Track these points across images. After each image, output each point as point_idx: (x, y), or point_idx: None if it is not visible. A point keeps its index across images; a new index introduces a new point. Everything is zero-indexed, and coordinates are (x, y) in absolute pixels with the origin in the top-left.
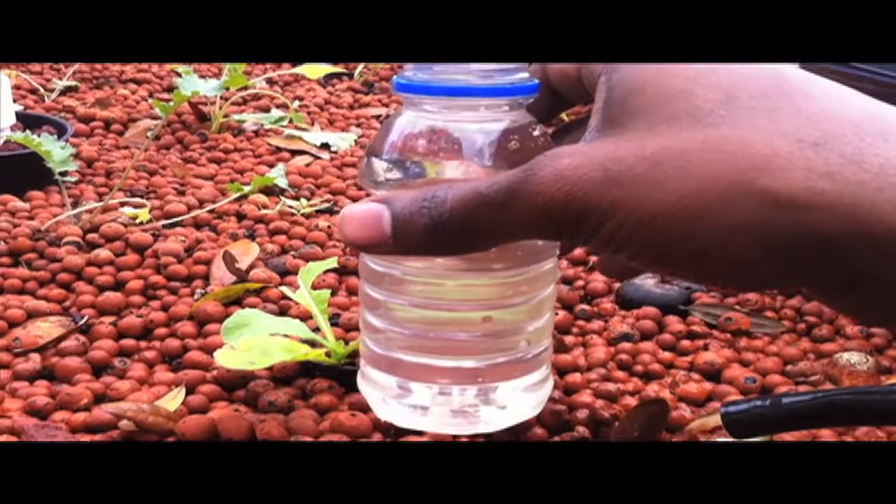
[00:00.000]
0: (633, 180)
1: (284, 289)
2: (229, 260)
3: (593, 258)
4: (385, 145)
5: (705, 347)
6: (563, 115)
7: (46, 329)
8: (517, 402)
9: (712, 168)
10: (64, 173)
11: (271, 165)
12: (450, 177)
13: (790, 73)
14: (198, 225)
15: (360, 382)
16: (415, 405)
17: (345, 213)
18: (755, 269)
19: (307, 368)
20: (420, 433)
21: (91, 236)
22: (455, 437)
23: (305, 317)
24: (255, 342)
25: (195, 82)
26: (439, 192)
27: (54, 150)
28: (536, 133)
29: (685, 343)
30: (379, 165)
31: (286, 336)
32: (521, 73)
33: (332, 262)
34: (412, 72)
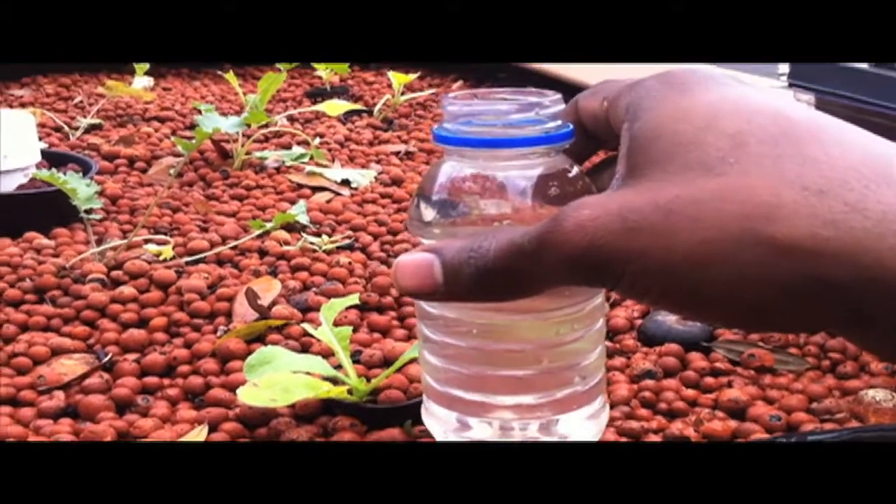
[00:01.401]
0: (650, 230)
1: (306, 326)
2: (252, 297)
3: (615, 294)
4: (433, 189)
5: (729, 384)
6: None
7: (71, 366)
8: (578, 432)
9: (721, 217)
10: (89, 211)
11: (292, 202)
12: (492, 218)
13: (798, 115)
14: (220, 261)
15: (424, 415)
16: (474, 439)
17: (398, 263)
18: (766, 313)
19: (329, 406)
20: None
21: (115, 273)
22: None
23: (327, 353)
24: (277, 379)
25: (216, 119)
26: (484, 243)
27: (79, 188)
28: (573, 175)
29: (709, 380)
30: (426, 208)
31: (308, 373)
32: (556, 120)
33: (353, 299)
34: (451, 124)
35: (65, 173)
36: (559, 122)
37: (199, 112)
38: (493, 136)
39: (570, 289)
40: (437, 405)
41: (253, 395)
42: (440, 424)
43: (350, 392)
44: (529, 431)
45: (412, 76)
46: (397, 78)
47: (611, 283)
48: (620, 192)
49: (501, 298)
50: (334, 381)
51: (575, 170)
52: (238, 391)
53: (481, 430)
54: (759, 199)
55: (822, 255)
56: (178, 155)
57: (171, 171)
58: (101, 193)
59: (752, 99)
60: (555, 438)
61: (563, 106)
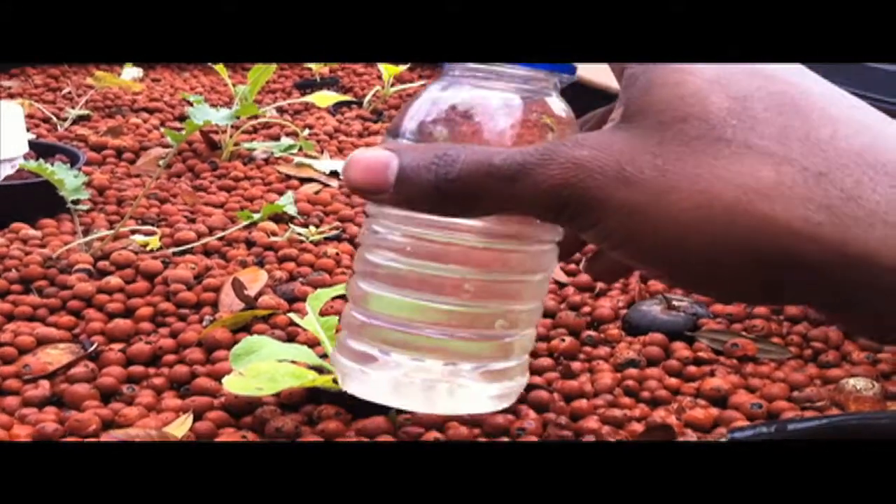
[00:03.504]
0: (643, 184)
1: (293, 315)
2: (238, 287)
3: (601, 284)
4: (404, 125)
5: (712, 373)
6: None
7: (56, 356)
8: (479, 387)
9: (718, 185)
10: (76, 201)
11: (281, 193)
12: (468, 139)
13: (809, 86)
14: (207, 252)
15: (334, 355)
16: (390, 376)
17: (352, 157)
18: (744, 287)
19: (314, 394)
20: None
21: (102, 264)
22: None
23: (313, 343)
24: (262, 368)
25: (207, 111)
26: (451, 152)
27: (67, 179)
28: (565, 115)
29: (692, 369)
30: (404, 127)
31: (294, 362)
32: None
33: (340, 289)
34: None
35: (52, 164)
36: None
37: (189, 103)
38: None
39: (520, 224)
40: (356, 340)
41: (239, 384)
42: (355, 361)
43: (335, 381)
44: (435, 369)
45: (402, 67)
46: (387, 69)
47: (583, 227)
48: (617, 136)
49: (450, 213)
50: (320, 370)
51: (565, 109)
52: (224, 380)
53: (401, 364)
54: (758, 173)
55: (811, 238)
56: (166, 146)
57: (161, 162)
58: (88, 184)
59: (767, 67)
60: (450, 385)
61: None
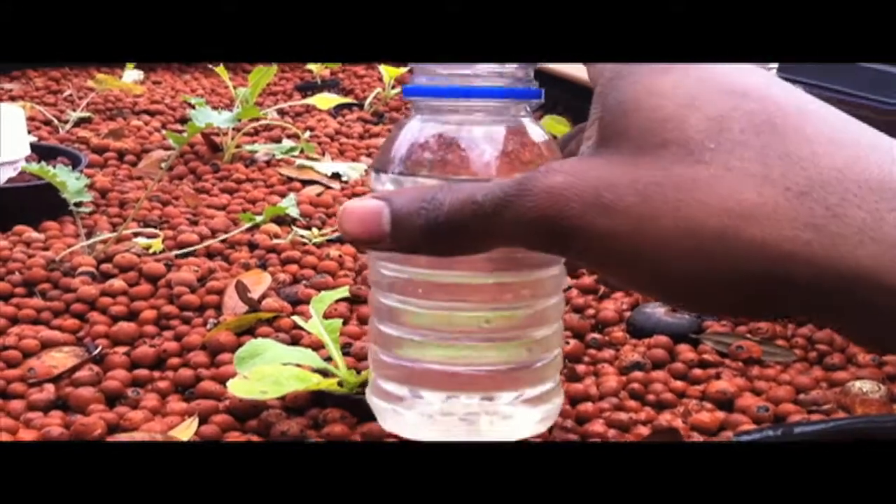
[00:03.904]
0: (624, 211)
1: (297, 318)
2: (241, 290)
3: (603, 287)
4: (389, 158)
5: (717, 376)
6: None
7: (60, 359)
8: (521, 414)
9: (701, 210)
10: (79, 204)
11: (283, 195)
12: (451, 174)
13: (787, 103)
14: (210, 255)
15: (369, 395)
16: (424, 413)
17: (345, 209)
18: (735, 306)
19: (319, 398)
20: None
21: (105, 266)
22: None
23: (317, 346)
24: (267, 372)
25: (209, 114)
26: (438, 195)
27: (69, 181)
28: (540, 138)
29: (697, 372)
30: (384, 179)
31: (298, 365)
32: (527, 80)
33: (343, 292)
34: (418, 77)
35: (54, 166)
36: (528, 81)
37: (190, 105)
38: (457, 86)
39: (528, 253)
40: (387, 381)
41: (243, 387)
42: (389, 402)
43: (340, 384)
44: (471, 405)
45: (403, 69)
46: (388, 71)
47: (569, 254)
48: (594, 162)
49: (447, 253)
50: (324, 374)
51: (542, 133)
52: (228, 384)
53: (432, 402)
54: (740, 195)
55: (800, 258)
56: (168, 148)
57: (162, 164)
58: (90, 187)
59: (738, 80)
60: (495, 417)
61: (531, 66)
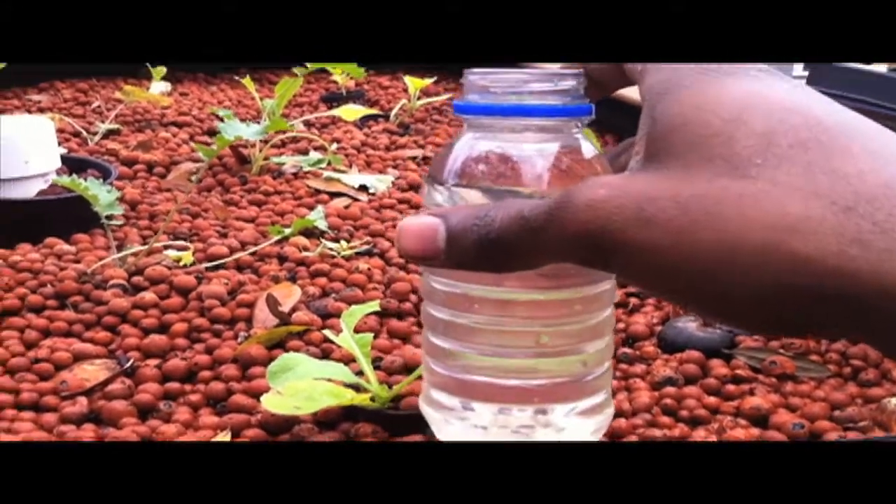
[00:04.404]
0: (665, 224)
1: (328, 332)
2: (272, 303)
3: (634, 300)
4: (445, 168)
5: (751, 392)
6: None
7: (93, 372)
8: (574, 426)
9: (745, 224)
10: (109, 217)
11: (311, 207)
12: (504, 190)
13: (831, 118)
14: (240, 267)
15: (422, 405)
16: (476, 425)
17: (402, 226)
18: (777, 321)
19: (351, 412)
20: None
21: (136, 279)
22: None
23: (348, 360)
24: (300, 387)
25: (237, 127)
26: (490, 212)
27: (100, 194)
28: (591, 153)
29: (730, 387)
30: (440, 188)
31: (330, 380)
32: (578, 95)
33: (374, 306)
34: (470, 95)
35: (85, 179)
36: (580, 96)
37: (218, 117)
38: (510, 105)
39: (579, 268)
40: (438, 391)
41: (277, 402)
42: (441, 412)
43: (372, 399)
44: (524, 417)
45: (428, 80)
46: (413, 83)
47: (610, 269)
48: (638, 176)
49: (499, 269)
50: (357, 388)
51: (592, 148)
52: (262, 399)
53: (483, 414)
54: (785, 209)
55: (846, 273)
56: (196, 160)
57: (193, 177)
58: (120, 199)
59: (783, 95)
60: (549, 430)
61: (583, 81)
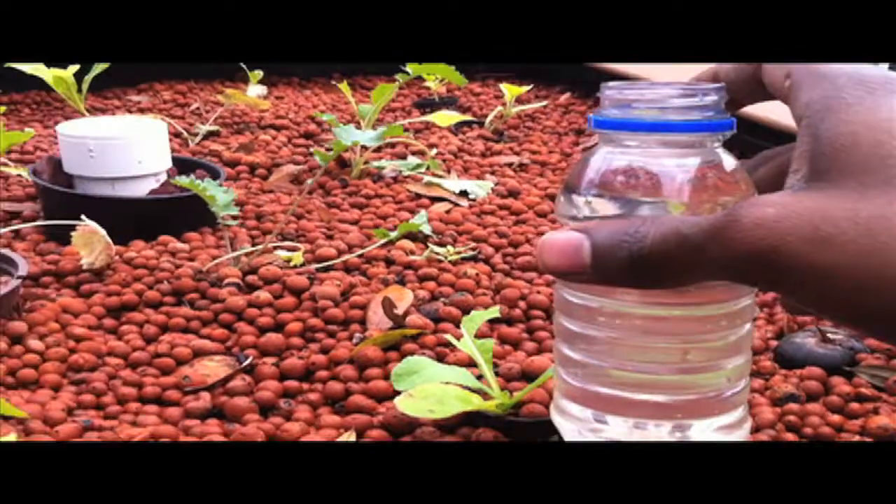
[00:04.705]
0: (845, 245)
1: (450, 337)
2: (388, 306)
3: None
4: (583, 182)
5: (875, 411)
6: None
7: (213, 368)
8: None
9: None
10: (226, 217)
11: (412, 211)
12: (648, 213)
13: None
14: (348, 269)
15: (554, 414)
16: (610, 438)
17: (545, 241)
18: None
19: (470, 417)
20: None
21: (250, 278)
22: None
23: (463, 364)
24: (431, 390)
25: (354, 133)
26: (641, 227)
27: (218, 195)
28: (732, 167)
29: (854, 406)
30: (578, 201)
31: (453, 384)
32: (720, 110)
33: (494, 312)
34: (609, 109)
35: (202, 179)
36: (721, 111)
37: (314, 121)
38: (653, 120)
39: (726, 284)
40: (570, 402)
41: (410, 405)
42: (573, 423)
43: (498, 406)
44: (661, 433)
45: (524, 88)
46: (510, 90)
47: (779, 289)
48: (807, 195)
49: (651, 286)
50: (482, 394)
51: (734, 162)
52: (396, 401)
53: (616, 428)
54: None
55: None
56: (297, 163)
57: (310, 181)
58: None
59: None
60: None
61: (724, 96)
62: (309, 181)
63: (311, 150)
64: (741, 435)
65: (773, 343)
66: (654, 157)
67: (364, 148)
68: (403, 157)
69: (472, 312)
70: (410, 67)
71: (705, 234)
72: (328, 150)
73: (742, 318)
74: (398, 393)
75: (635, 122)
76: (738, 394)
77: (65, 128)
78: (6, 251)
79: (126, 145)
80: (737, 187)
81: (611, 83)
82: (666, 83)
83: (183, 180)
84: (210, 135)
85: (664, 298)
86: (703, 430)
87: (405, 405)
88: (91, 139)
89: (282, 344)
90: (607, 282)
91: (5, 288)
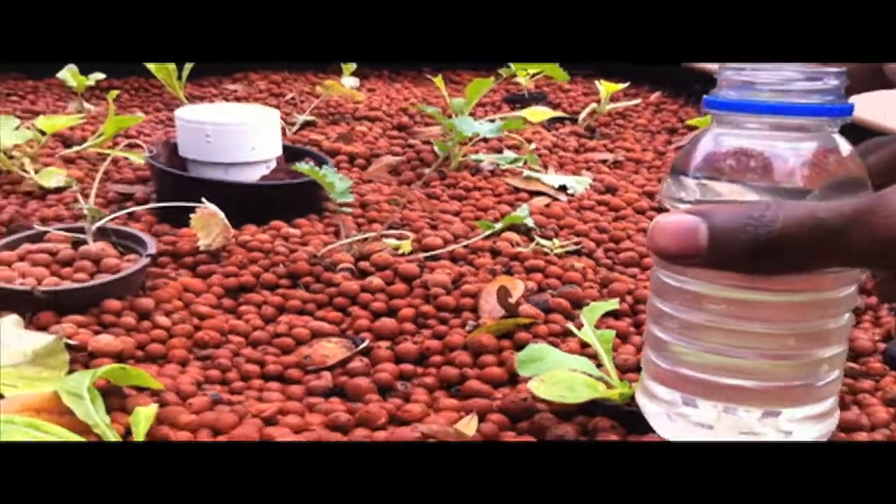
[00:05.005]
0: None
1: (571, 326)
2: (504, 294)
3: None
4: (693, 163)
5: None
6: None
7: (331, 349)
8: (802, 431)
9: None
10: (342, 204)
11: (510, 204)
12: (766, 197)
13: None
14: (454, 259)
15: (639, 396)
16: (699, 422)
17: (657, 223)
18: None
19: (587, 406)
20: None
21: (362, 264)
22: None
23: (576, 353)
24: (560, 376)
25: (473, 124)
26: (768, 212)
27: (336, 182)
28: (847, 153)
29: None
30: (688, 183)
31: (583, 373)
32: (840, 95)
33: (613, 304)
34: (725, 91)
35: (319, 166)
36: (841, 96)
37: (405, 112)
38: (774, 103)
39: (835, 271)
40: (659, 384)
41: (543, 389)
42: (660, 405)
43: (621, 395)
44: (751, 418)
45: (621, 85)
46: (605, 87)
47: None
48: None
49: (771, 271)
50: (605, 383)
51: (849, 148)
52: (529, 384)
53: (706, 413)
54: None
55: None
56: (395, 154)
57: (427, 170)
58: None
59: None
60: (778, 433)
61: (845, 81)
62: (427, 171)
63: (432, 141)
64: (828, 426)
65: (881, 346)
66: (770, 140)
67: (462, 141)
68: (499, 151)
69: (592, 304)
70: (514, 64)
71: (846, 218)
72: (425, 142)
73: (843, 308)
74: (513, 379)
75: (755, 104)
76: (831, 384)
77: (183, 112)
78: (134, 230)
79: (242, 132)
80: (852, 173)
81: (729, 65)
82: (786, 66)
83: (303, 167)
84: (306, 124)
85: (770, 284)
86: (793, 419)
87: (538, 389)
88: (209, 124)
89: (395, 328)
90: (722, 266)
91: (135, 265)
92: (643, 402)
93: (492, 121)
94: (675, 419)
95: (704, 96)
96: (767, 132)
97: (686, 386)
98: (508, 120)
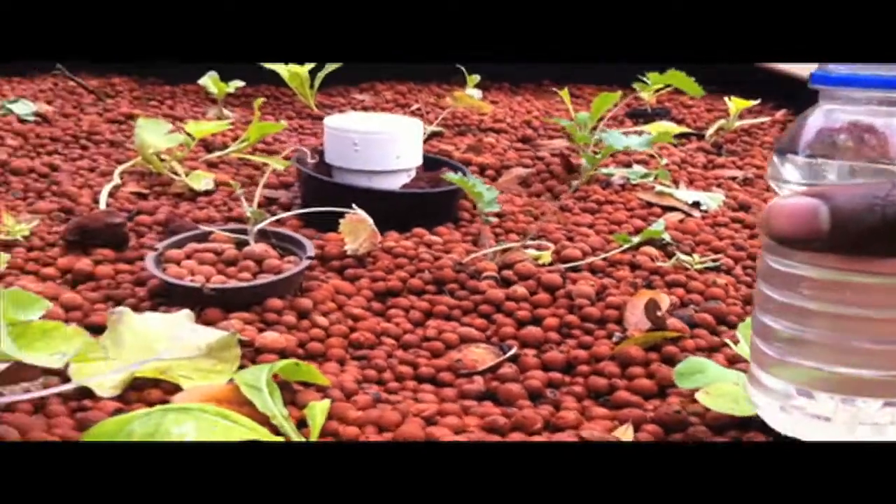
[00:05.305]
0: None
1: (728, 341)
2: (652, 307)
3: None
4: (802, 142)
5: None
6: None
7: (480, 354)
8: None
9: None
10: (489, 214)
11: (643, 219)
12: (878, 168)
13: None
14: (593, 271)
15: (749, 388)
16: (815, 414)
17: (773, 206)
18: None
19: (742, 420)
20: None
21: (505, 273)
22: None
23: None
24: (725, 389)
25: (622, 139)
26: (895, 190)
27: (484, 192)
28: None
29: None
30: (797, 161)
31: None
32: None
33: None
34: (838, 65)
35: (465, 174)
36: None
37: (529, 125)
38: (885, 76)
39: None
40: (770, 376)
41: (712, 401)
42: (772, 397)
43: None
44: (871, 409)
45: (752, 102)
46: (736, 103)
47: None
48: None
49: None
50: None
51: None
52: (697, 395)
53: (822, 404)
54: None
55: None
56: (525, 166)
57: (575, 183)
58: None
59: None
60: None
61: None
62: (575, 183)
63: (573, 155)
64: None
65: None
66: (886, 115)
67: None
68: (627, 165)
69: (748, 319)
70: (650, 77)
71: None
72: (554, 154)
73: None
74: (662, 392)
75: (871, 78)
76: None
77: (331, 121)
78: (293, 233)
79: (388, 140)
80: None
81: None
82: None
83: (453, 177)
84: (433, 135)
85: (885, 267)
86: None
87: (707, 401)
88: (356, 133)
89: (540, 337)
90: (845, 248)
91: (297, 267)
92: (751, 393)
93: (639, 134)
94: (789, 411)
95: (812, 72)
96: (879, 107)
97: (800, 378)
98: (659, 133)
